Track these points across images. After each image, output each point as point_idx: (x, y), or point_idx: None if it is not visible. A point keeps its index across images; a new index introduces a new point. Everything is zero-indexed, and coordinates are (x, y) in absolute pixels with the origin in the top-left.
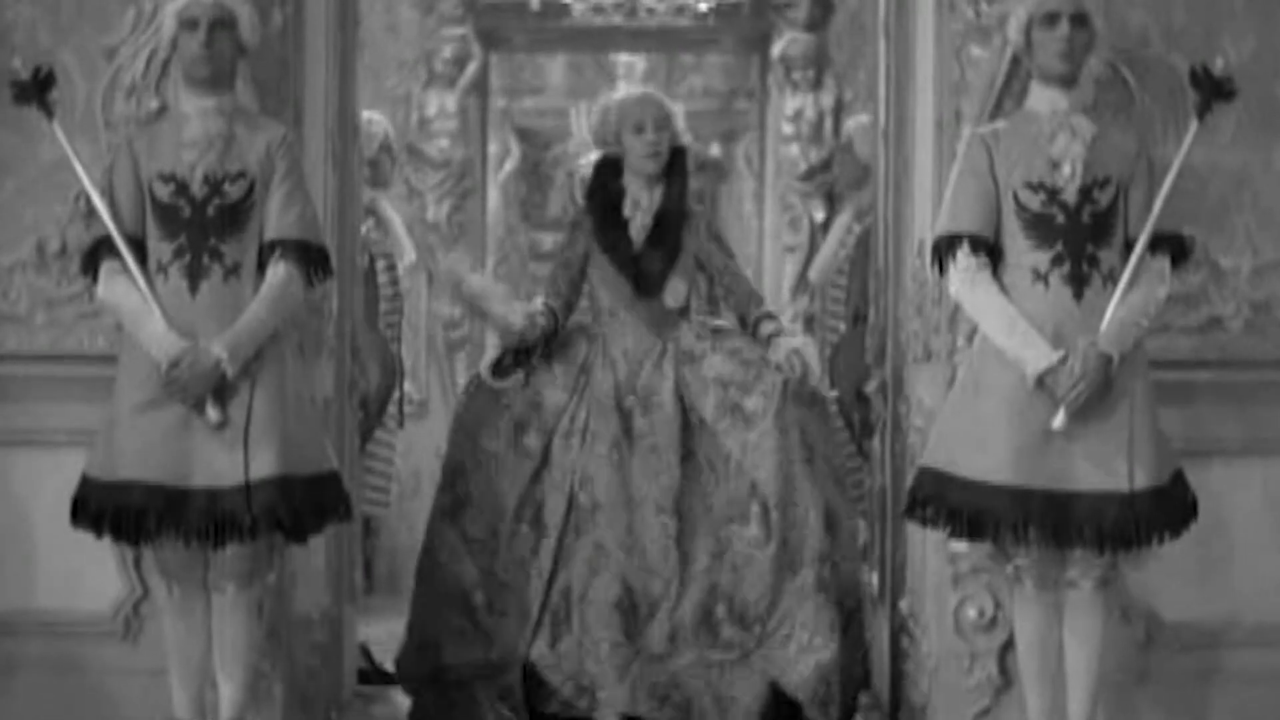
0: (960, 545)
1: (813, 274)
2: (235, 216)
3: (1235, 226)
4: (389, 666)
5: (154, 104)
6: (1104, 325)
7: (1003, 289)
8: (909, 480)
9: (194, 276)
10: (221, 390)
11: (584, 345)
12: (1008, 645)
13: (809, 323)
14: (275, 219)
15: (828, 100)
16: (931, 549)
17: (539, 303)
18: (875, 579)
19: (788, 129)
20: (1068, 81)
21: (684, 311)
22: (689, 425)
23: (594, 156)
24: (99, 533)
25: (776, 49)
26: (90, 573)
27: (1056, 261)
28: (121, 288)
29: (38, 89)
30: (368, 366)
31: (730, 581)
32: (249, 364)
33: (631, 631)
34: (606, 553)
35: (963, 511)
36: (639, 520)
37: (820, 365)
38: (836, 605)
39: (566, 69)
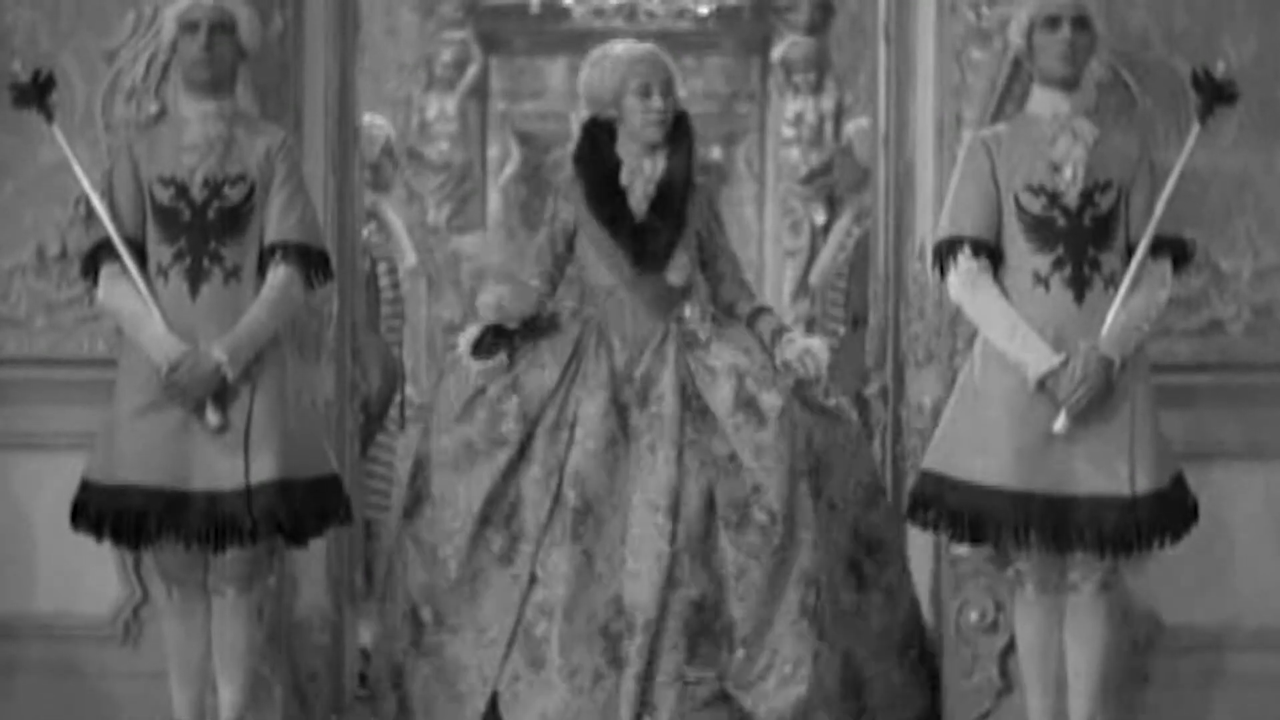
0: (961, 548)
1: (813, 277)
2: (235, 220)
3: (1236, 230)
4: None
5: (153, 107)
6: (1105, 328)
7: (1004, 292)
8: (910, 483)
9: (194, 280)
10: (222, 393)
11: (576, 328)
12: (1009, 648)
13: (809, 326)
14: (275, 222)
15: (828, 104)
16: (932, 552)
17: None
18: None
19: (788, 132)
20: (1069, 84)
21: (686, 290)
22: (692, 415)
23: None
24: (99, 536)
25: (777, 52)
26: (90, 576)
27: (1058, 265)
28: (121, 291)
29: (38, 92)
30: (369, 370)
31: (717, 594)
32: (249, 367)
33: (618, 658)
34: (595, 565)
35: (964, 514)
36: (632, 523)
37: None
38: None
39: (567, 72)
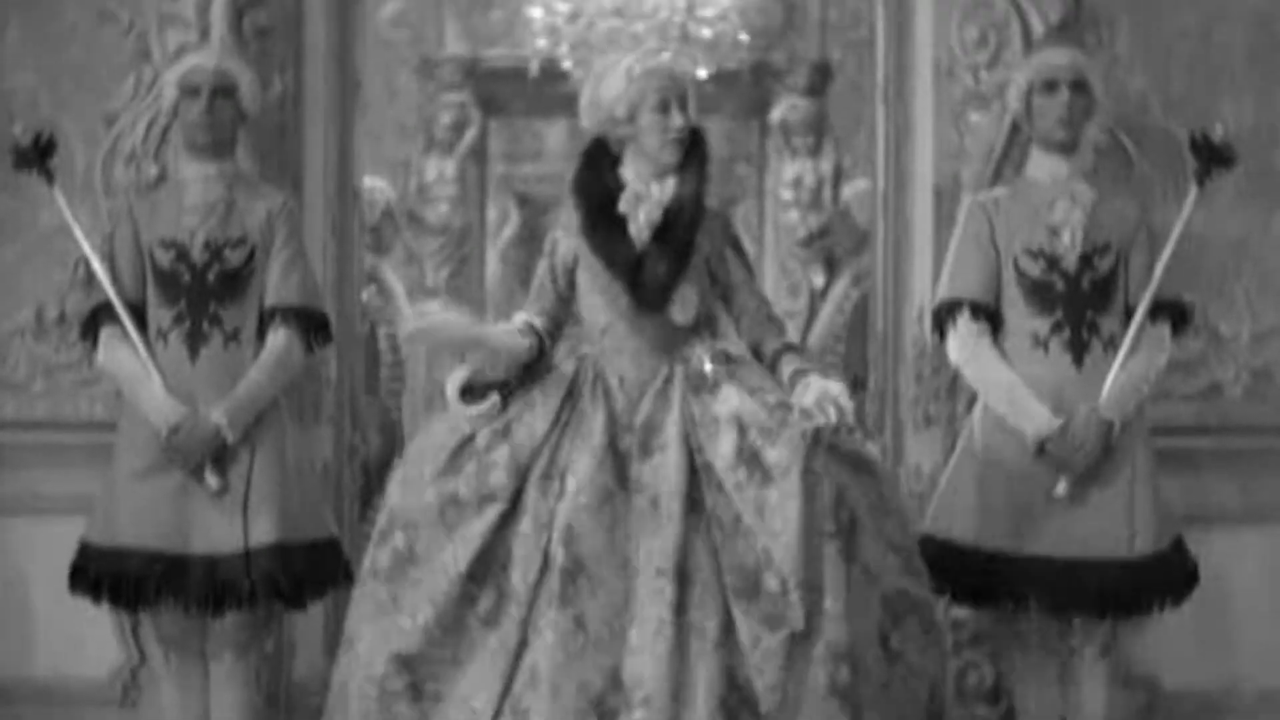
0: (962, 612)
1: (812, 340)
2: (235, 283)
3: (1235, 293)
4: None
5: (153, 170)
6: (1105, 392)
7: (1003, 355)
8: None
9: (194, 342)
10: (221, 457)
11: (570, 366)
12: (1009, 714)
13: None
14: (275, 285)
15: (827, 166)
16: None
17: (519, 319)
18: None
19: (787, 195)
20: (1067, 148)
21: (694, 329)
22: (697, 469)
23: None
24: (97, 599)
25: (776, 115)
26: (88, 640)
27: (1057, 328)
28: (121, 354)
29: (39, 155)
30: (368, 433)
31: (739, 665)
32: (248, 430)
33: None
34: (588, 631)
35: (965, 579)
36: (633, 590)
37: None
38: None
39: (566, 135)
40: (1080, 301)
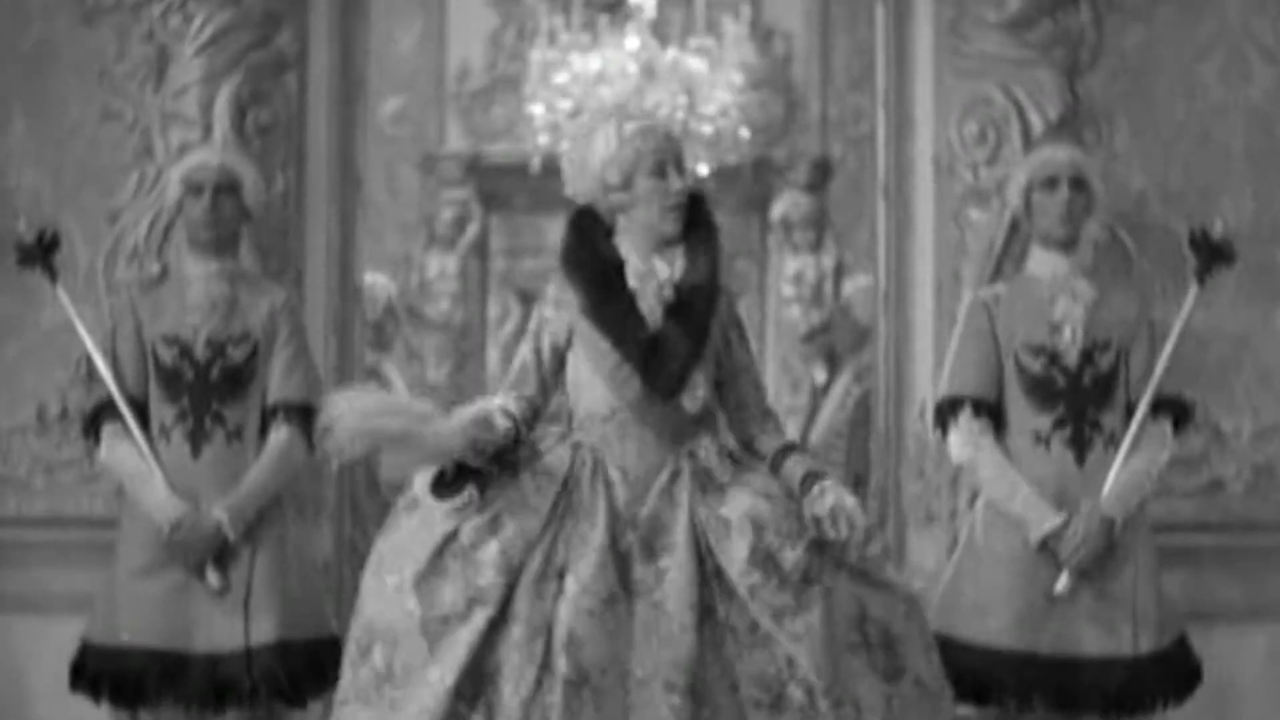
0: (965, 710)
1: (814, 436)
2: (238, 380)
3: (1236, 389)
4: None
5: (156, 267)
6: (1106, 488)
7: (1005, 452)
8: None
9: (196, 439)
10: (222, 554)
11: (565, 454)
12: None
13: None
14: (278, 382)
15: (828, 262)
16: None
17: (494, 403)
18: None
19: (788, 290)
20: (1067, 245)
21: (701, 419)
22: (707, 575)
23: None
24: (97, 698)
25: (777, 210)
26: None
27: (1058, 425)
28: (123, 451)
29: (42, 252)
30: (369, 529)
31: None
32: (250, 528)
33: None
34: None
35: (967, 676)
36: (639, 704)
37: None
38: None
39: None
40: (1082, 398)
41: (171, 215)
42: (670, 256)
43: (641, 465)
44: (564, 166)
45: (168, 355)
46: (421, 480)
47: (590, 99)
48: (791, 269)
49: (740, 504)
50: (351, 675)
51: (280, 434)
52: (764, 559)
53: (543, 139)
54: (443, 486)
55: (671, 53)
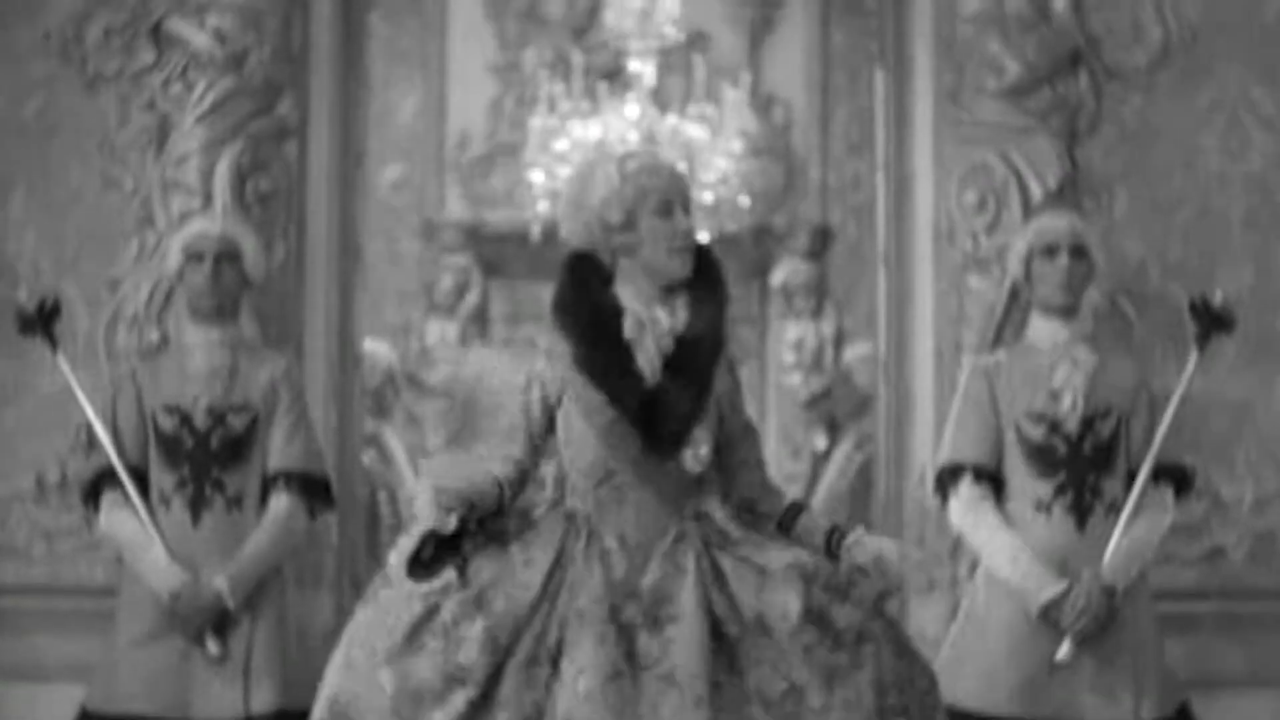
0: None
1: (815, 504)
2: (238, 448)
3: (1236, 457)
4: None
5: (156, 335)
6: (1107, 556)
7: (1005, 519)
8: None
9: (197, 508)
10: (222, 623)
11: (557, 525)
12: None
13: None
14: (278, 450)
15: (828, 329)
16: None
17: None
18: None
19: (788, 357)
20: (1068, 312)
21: (703, 480)
22: (721, 644)
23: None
24: None
25: (777, 278)
26: None
27: (1059, 492)
28: (123, 519)
29: (43, 320)
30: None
31: None
32: (250, 596)
33: None
34: None
35: None
36: None
37: None
38: None
39: None
40: (1082, 465)
41: (172, 283)
42: (673, 306)
43: (641, 532)
44: (560, 207)
45: (168, 423)
46: (396, 557)
47: None
48: (792, 336)
49: (780, 555)
50: None
51: (280, 503)
52: (818, 616)
53: (543, 206)
54: (419, 566)
55: (671, 120)
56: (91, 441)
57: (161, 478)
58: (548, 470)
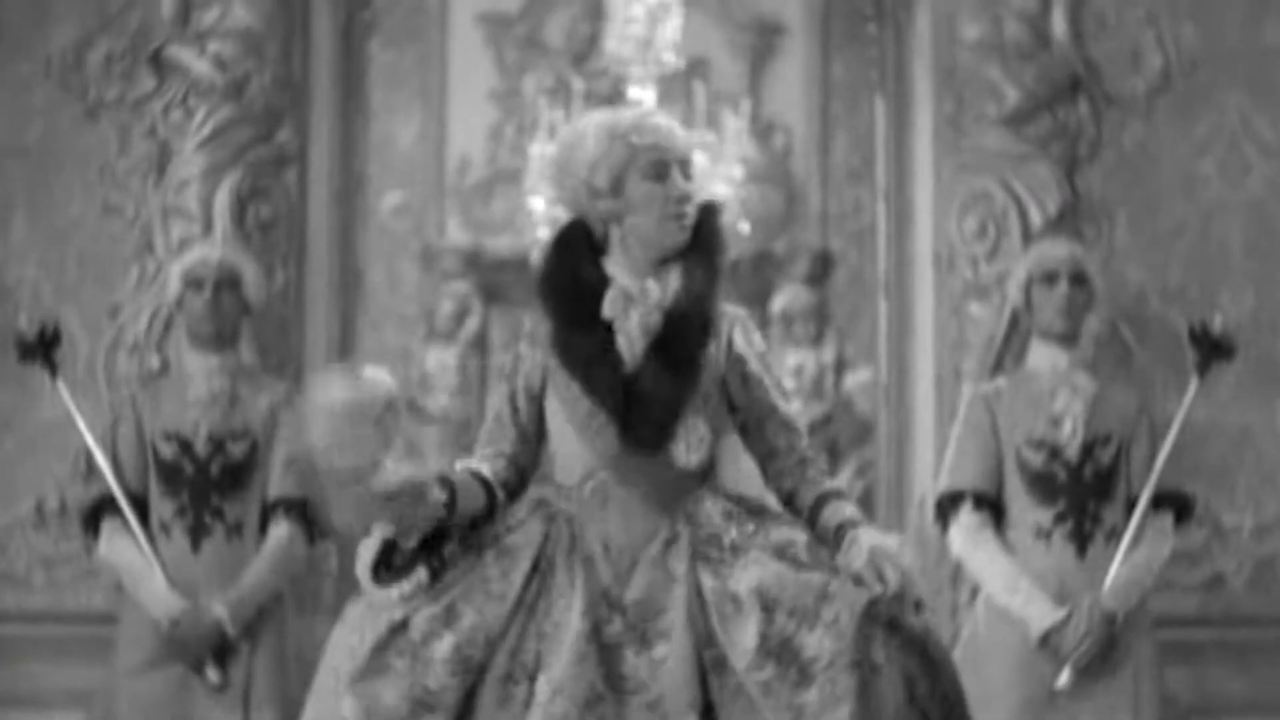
0: None
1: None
2: (238, 475)
3: (1237, 484)
4: None
5: (156, 362)
6: (1108, 583)
7: (1006, 546)
8: None
9: (196, 535)
10: (222, 650)
11: (537, 528)
12: None
13: None
14: (278, 478)
15: (828, 355)
16: None
17: (464, 464)
18: None
19: (789, 384)
20: (1068, 339)
21: (703, 475)
22: (713, 664)
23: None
24: None
25: (777, 304)
26: None
27: (1059, 519)
28: (122, 546)
29: (43, 347)
30: None
31: None
32: (250, 624)
33: None
34: None
35: None
36: None
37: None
38: None
39: None
40: (1082, 492)
41: (172, 310)
42: (665, 278)
43: (626, 536)
44: (549, 170)
45: (168, 450)
46: (362, 561)
47: None
48: (792, 362)
49: (751, 576)
50: None
51: (280, 530)
52: (778, 646)
53: (543, 232)
54: (386, 570)
55: None
56: (91, 468)
57: (161, 505)
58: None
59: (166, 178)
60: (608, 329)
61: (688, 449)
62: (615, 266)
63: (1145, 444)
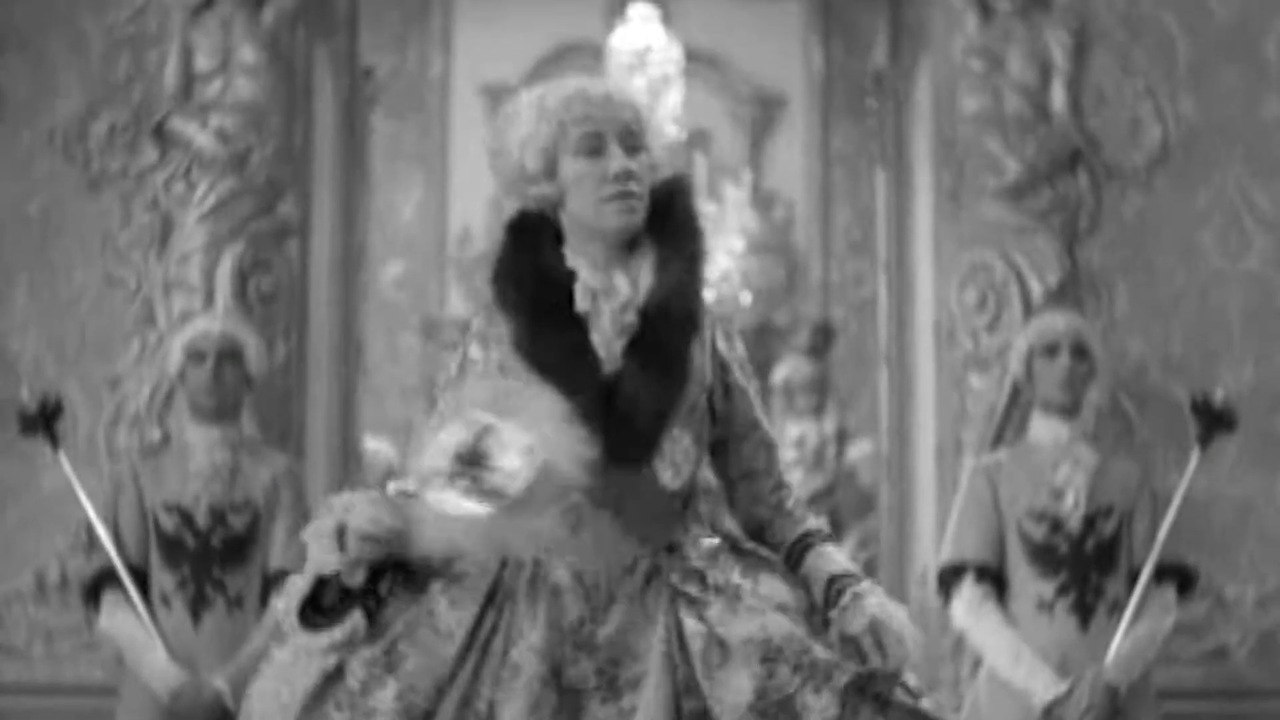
0: None
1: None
2: (239, 548)
3: (1239, 556)
4: None
5: (157, 434)
6: (1110, 655)
7: (1008, 618)
8: None
9: (197, 607)
10: None
11: (494, 559)
12: None
13: None
14: (279, 550)
15: (830, 427)
16: None
17: (392, 487)
18: None
19: (790, 455)
20: (1069, 411)
21: (686, 496)
22: (691, 717)
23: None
24: None
25: (778, 375)
26: None
27: (1062, 591)
28: (123, 619)
29: (45, 420)
30: None
31: None
32: None
33: None
34: None
35: None
36: None
37: None
38: None
39: None
40: (1085, 564)
41: (173, 382)
42: (635, 270)
43: (601, 564)
44: (486, 156)
45: (169, 523)
46: (287, 602)
47: None
48: (793, 434)
49: (747, 624)
50: None
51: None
52: (776, 706)
53: None
54: (314, 611)
55: None
56: (92, 541)
57: (162, 577)
58: None
59: (168, 250)
60: (580, 326)
61: (672, 465)
62: (576, 260)
63: (1147, 516)
